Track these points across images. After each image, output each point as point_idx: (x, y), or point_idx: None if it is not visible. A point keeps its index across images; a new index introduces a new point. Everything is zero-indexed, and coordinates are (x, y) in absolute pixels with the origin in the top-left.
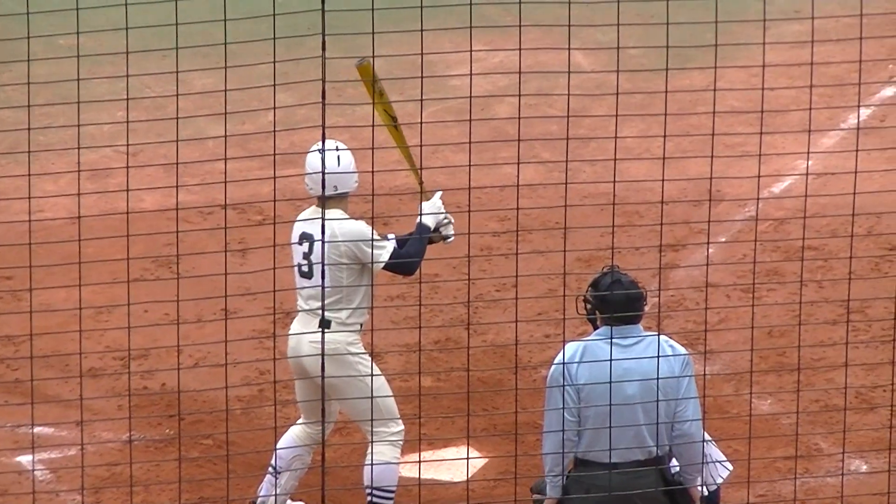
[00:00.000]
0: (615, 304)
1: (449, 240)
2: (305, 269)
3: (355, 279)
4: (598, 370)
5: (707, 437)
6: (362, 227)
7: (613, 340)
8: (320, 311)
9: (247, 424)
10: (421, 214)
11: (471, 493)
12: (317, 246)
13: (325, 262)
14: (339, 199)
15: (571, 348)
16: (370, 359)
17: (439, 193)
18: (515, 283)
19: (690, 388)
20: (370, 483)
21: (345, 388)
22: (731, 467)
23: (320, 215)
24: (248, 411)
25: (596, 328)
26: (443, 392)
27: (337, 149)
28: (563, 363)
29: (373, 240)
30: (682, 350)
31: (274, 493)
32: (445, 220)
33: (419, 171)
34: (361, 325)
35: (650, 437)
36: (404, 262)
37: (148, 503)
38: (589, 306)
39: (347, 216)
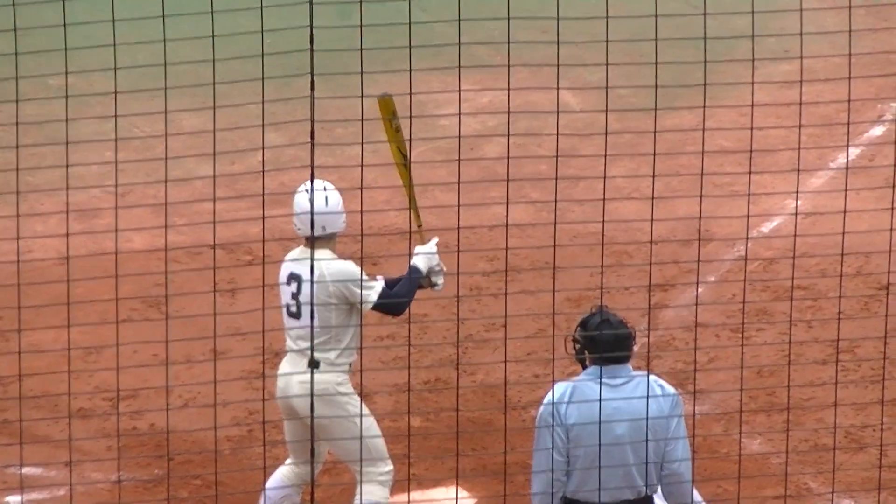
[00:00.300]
0: (604, 343)
1: (437, 287)
2: (294, 309)
3: (344, 319)
4: (588, 410)
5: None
6: (351, 268)
7: (603, 380)
8: (309, 352)
9: (236, 464)
10: (414, 255)
11: None
12: (305, 286)
13: (314, 302)
14: (327, 240)
15: (560, 388)
16: (359, 399)
17: (435, 240)
18: (505, 323)
19: (679, 427)
20: None
21: (334, 428)
22: None
23: (309, 255)
24: (238, 451)
25: (585, 368)
26: (432, 432)
27: (325, 189)
28: (553, 403)
29: (362, 280)
30: (671, 390)
31: None
32: (437, 268)
33: (419, 214)
34: (350, 366)
35: (639, 477)
36: (393, 302)
37: None
38: (578, 346)
39: (336, 256)
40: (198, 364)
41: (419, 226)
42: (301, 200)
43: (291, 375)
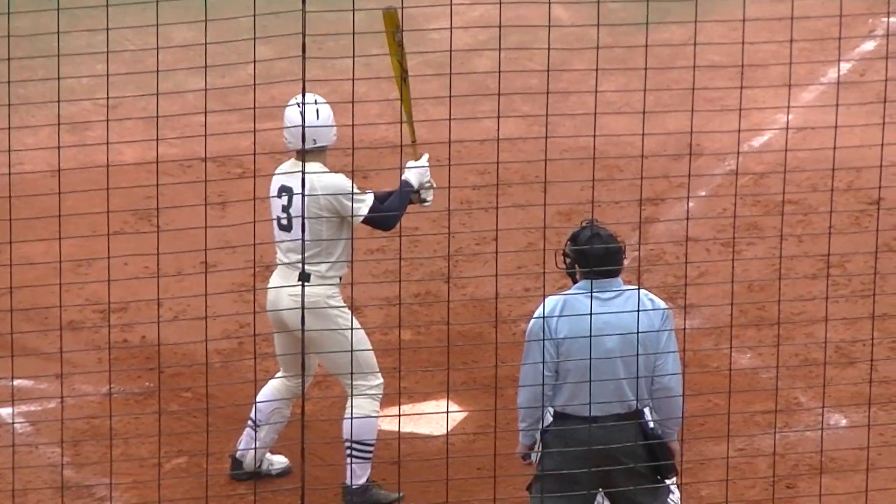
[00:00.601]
0: (594, 257)
1: (427, 203)
2: (285, 222)
3: (335, 232)
4: (578, 324)
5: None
6: (342, 181)
7: (593, 294)
8: (300, 265)
9: (226, 378)
10: (405, 169)
11: (450, 447)
12: (296, 199)
13: (305, 215)
14: (318, 153)
15: (551, 302)
16: (350, 312)
17: (427, 156)
18: (495, 237)
19: (670, 342)
20: (349, 437)
21: (324, 341)
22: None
23: (300, 168)
24: (228, 364)
25: (575, 282)
26: (422, 346)
27: (316, 102)
28: (543, 317)
29: (353, 193)
30: (662, 304)
31: (253, 446)
32: (428, 184)
33: (414, 128)
34: (341, 279)
35: (630, 391)
36: (384, 215)
37: (127, 456)
38: (568, 260)
39: (327, 169)
40: (188, 277)
41: (413, 141)
42: (292, 114)
43: (282, 288)
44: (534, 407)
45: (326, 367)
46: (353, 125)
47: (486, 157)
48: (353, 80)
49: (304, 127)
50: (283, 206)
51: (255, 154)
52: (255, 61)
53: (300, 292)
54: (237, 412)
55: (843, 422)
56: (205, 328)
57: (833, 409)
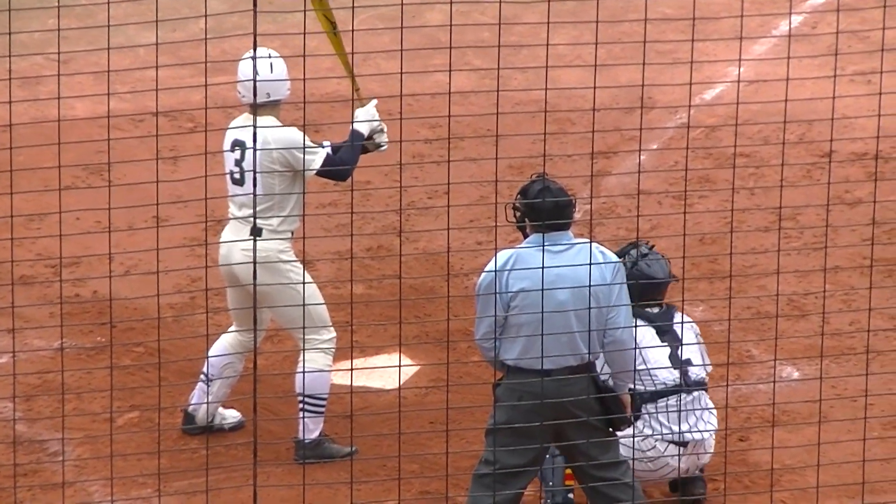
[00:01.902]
0: (544, 211)
1: (382, 147)
2: (237, 176)
3: (287, 186)
4: (530, 278)
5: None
6: (294, 134)
7: (544, 248)
8: (252, 219)
9: (178, 332)
10: (354, 122)
11: (403, 401)
12: (249, 153)
13: (258, 169)
14: (271, 107)
15: (503, 256)
16: (302, 266)
17: (374, 102)
18: (447, 191)
19: (622, 295)
20: (302, 390)
21: (276, 295)
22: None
23: (252, 123)
24: (180, 319)
25: (526, 236)
26: (374, 299)
27: (269, 56)
28: (495, 271)
29: (305, 147)
30: (613, 257)
31: (206, 400)
32: (379, 128)
33: (355, 78)
34: (293, 233)
35: (582, 343)
36: (337, 168)
37: (80, 410)
38: (518, 214)
39: (280, 124)
40: (140, 231)
41: (356, 90)
42: (245, 68)
43: (234, 243)
44: (489, 361)
45: (279, 321)
46: (304, 79)
47: (438, 110)
48: (304, 34)
49: (255, 81)
50: (236, 161)
51: (206, 108)
52: (206, 15)
53: (252, 247)
54: (189, 367)
55: (796, 374)
56: (157, 283)
57: (785, 362)
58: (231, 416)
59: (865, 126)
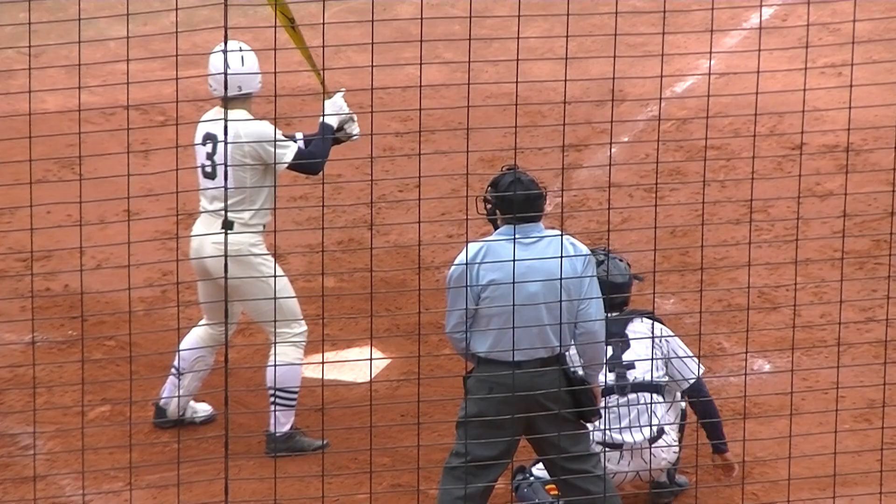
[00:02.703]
0: (515, 203)
1: (354, 137)
2: (209, 169)
3: (259, 180)
4: (501, 269)
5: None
6: (266, 128)
7: (515, 239)
8: (223, 212)
9: (150, 325)
10: (323, 115)
11: (374, 394)
12: (220, 147)
13: (229, 162)
14: (242, 100)
15: (473, 248)
16: (273, 260)
17: (341, 92)
18: (418, 184)
19: (593, 287)
20: (273, 384)
21: (247, 289)
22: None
23: (223, 116)
24: (151, 312)
25: (497, 228)
26: (346, 292)
27: (241, 49)
28: (466, 263)
29: (276, 140)
30: (584, 249)
31: (177, 394)
32: (348, 118)
33: (321, 71)
34: (264, 227)
35: (553, 335)
36: (309, 162)
37: (51, 404)
38: (489, 206)
39: (251, 117)
40: (111, 225)
41: (322, 83)
42: (216, 61)
43: (205, 236)
44: (460, 353)
45: (250, 314)
46: (275, 72)
47: (409, 103)
48: (275, 27)
49: (226, 74)
50: (208, 154)
51: (177, 102)
52: (177, 8)
53: (223, 240)
54: (160, 360)
55: (767, 367)
56: (128, 276)
57: (756, 355)
58: (202, 409)
59: (836, 118)
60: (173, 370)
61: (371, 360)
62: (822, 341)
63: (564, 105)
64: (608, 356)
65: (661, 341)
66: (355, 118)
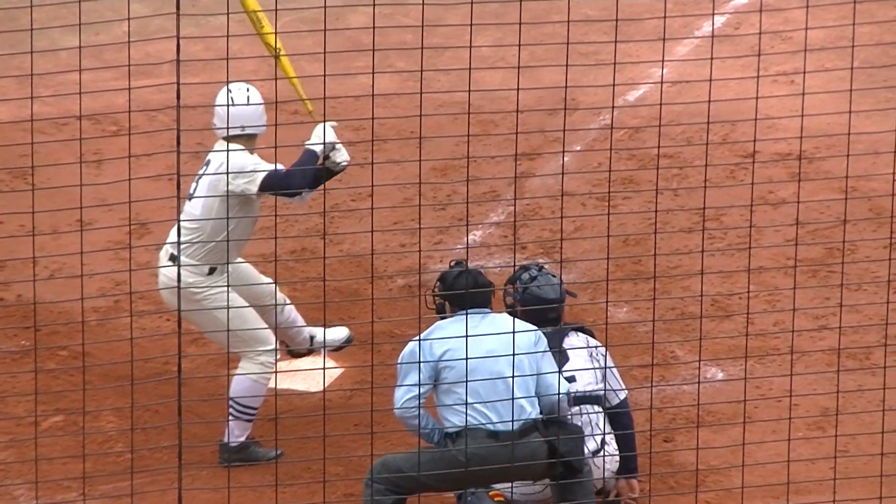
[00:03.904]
0: (468, 298)
1: (341, 165)
2: (187, 198)
3: (237, 212)
4: (460, 352)
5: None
6: (242, 159)
7: (471, 323)
8: (175, 245)
9: (103, 335)
10: (307, 143)
11: (327, 403)
12: (202, 179)
13: (207, 192)
14: (246, 139)
15: (428, 331)
16: (226, 290)
17: (333, 124)
18: (371, 193)
19: (550, 361)
20: (234, 395)
21: (202, 321)
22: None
23: (221, 148)
24: (105, 322)
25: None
26: (299, 301)
27: (248, 90)
28: (419, 340)
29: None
30: (532, 327)
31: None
32: (332, 147)
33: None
34: (216, 267)
35: (527, 404)
36: (284, 182)
37: (4, 414)
38: (438, 302)
39: (241, 148)
40: (64, 235)
41: (309, 112)
42: (221, 99)
43: (161, 268)
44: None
45: (215, 342)
46: (227, 81)
47: (362, 112)
48: (227, 36)
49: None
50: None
51: (129, 111)
52: (129, 18)
53: (168, 272)
54: (114, 370)
55: (720, 375)
56: (81, 286)
57: (710, 363)
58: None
59: (788, 126)
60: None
61: (325, 369)
62: (776, 349)
63: (517, 113)
64: None
65: (596, 353)
66: (339, 146)
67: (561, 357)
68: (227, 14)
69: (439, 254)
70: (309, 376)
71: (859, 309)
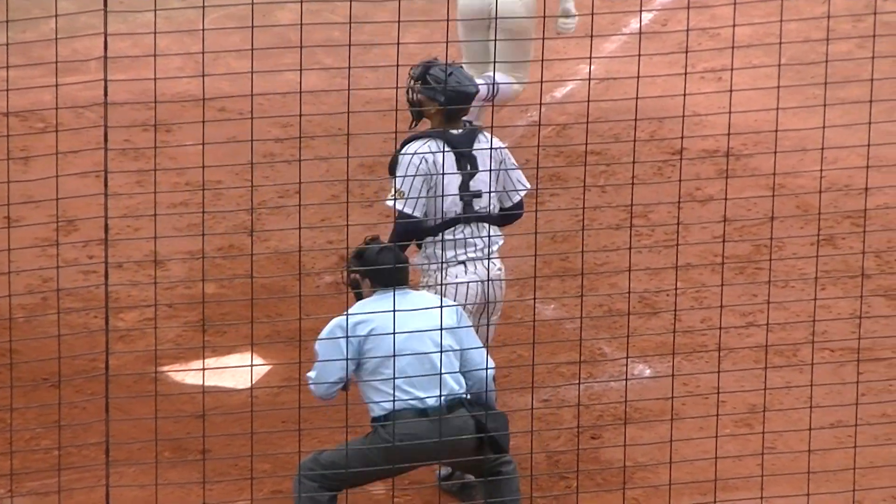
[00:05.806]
0: (386, 273)
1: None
2: None
3: None
4: (385, 330)
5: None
6: None
7: (397, 302)
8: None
9: (30, 332)
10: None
11: (255, 400)
12: None
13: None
14: None
15: (355, 314)
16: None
17: None
18: (298, 190)
19: (472, 337)
20: None
21: None
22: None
23: None
24: (32, 319)
25: (360, 296)
26: (226, 299)
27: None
28: (347, 322)
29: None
30: (452, 302)
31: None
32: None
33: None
34: None
35: (452, 380)
36: None
37: None
38: (353, 278)
39: None
40: None
41: None
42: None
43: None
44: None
45: None
46: (155, 78)
47: (289, 109)
48: (154, 33)
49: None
50: None
51: (57, 108)
52: (56, 15)
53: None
54: (41, 367)
55: (648, 372)
56: (8, 283)
57: (637, 360)
58: None
59: (716, 123)
60: None
61: (252, 366)
62: (703, 346)
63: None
64: (458, 184)
65: (498, 152)
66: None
67: (470, 161)
68: (155, 11)
69: None
70: (236, 373)
71: (787, 306)
